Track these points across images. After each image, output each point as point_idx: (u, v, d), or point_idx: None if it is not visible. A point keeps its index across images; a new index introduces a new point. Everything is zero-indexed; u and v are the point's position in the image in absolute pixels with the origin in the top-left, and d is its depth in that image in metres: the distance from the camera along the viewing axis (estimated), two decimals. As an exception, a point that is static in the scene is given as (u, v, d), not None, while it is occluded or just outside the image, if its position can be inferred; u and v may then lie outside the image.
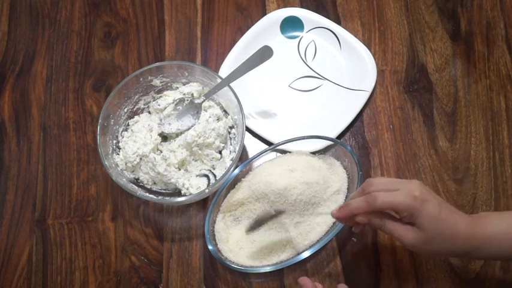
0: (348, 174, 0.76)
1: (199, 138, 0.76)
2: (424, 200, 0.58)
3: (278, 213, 0.72)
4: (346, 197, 0.74)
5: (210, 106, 0.81)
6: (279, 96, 0.84)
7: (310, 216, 0.73)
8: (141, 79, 0.78)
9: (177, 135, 0.78)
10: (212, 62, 0.87)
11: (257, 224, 0.72)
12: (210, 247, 0.71)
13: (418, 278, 0.72)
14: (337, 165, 0.77)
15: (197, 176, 0.77)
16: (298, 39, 0.88)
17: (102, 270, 0.75)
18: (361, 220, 0.61)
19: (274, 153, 0.78)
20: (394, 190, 0.59)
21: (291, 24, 0.88)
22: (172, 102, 0.79)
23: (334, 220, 0.73)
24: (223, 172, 0.73)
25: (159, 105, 0.80)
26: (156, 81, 0.80)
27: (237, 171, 0.75)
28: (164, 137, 0.79)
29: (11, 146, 0.82)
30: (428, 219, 0.58)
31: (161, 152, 0.77)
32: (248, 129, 0.81)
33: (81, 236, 0.77)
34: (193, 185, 0.76)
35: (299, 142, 0.76)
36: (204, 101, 0.78)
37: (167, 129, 0.78)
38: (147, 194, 0.75)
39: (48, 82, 0.87)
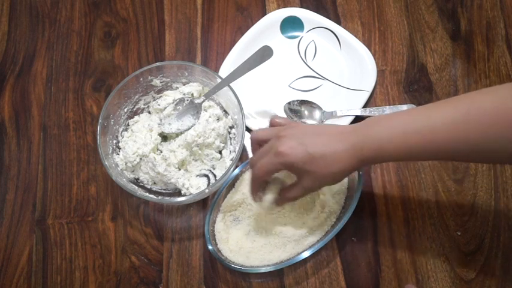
0: (348, 174, 0.76)
1: (199, 138, 0.76)
2: (289, 150, 0.60)
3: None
4: (346, 197, 0.74)
5: (210, 106, 0.81)
6: (279, 96, 0.84)
7: (310, 216, 0.73)
8: (141, 79, 0.78)
9: (177, 135, 0.78)
10: (212, 62, 0.87)
11: None
12: (210, 247, 0.71)
13: (418, 278, 0.72)
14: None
15: (197, 176, 0.77)
16: (298, 39, 0.88)
17: (102, 270, 0.75)
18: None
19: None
20: (268, 152, 0.63)
21: (291, 24, 0.88)
22: (172, 102, 0.79)
23: (334, 220, 0.73)
24: (223, 172, 0.73)
25: (159, 105, 0.80)
26: (156, 81, 0.80)
27: (237, 171, 0.75)
28: (164, 137, 0.79)
29: (11, 146, 0.82)
30: (299, 167, 0.60)
31: (161, 152, 0.78)
32: (248, 129, 0.81)
33: (81, 236, 0.77)
34: (193, 185, 0.76)
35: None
36: (204, 101, 0.78)
37: (167, 129, 0.78)
38: (147, 194, 0.75)
39: (48, 82, 0.87)
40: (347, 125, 0.62)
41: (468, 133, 0.55)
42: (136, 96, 0.80)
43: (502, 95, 0.55)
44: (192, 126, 0.78)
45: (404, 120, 0.59)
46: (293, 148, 0.60)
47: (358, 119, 0.81)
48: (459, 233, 0.74)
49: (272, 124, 0.69)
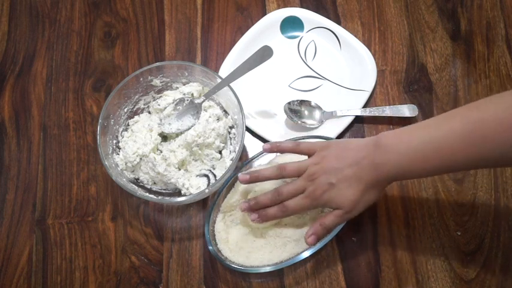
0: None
1: (199, 138, 0.76)
2: (322, 195, 0.65)
3: None
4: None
5: (210, 106, 0.81)
6: (279, 96, 0.84)
7: (310, 216, 0.73)
8: (141, 79, 0.78)
9: (177, 135, 0.78)
10: (212, 62, 0.87)
11: None
12: (210, 247, 0.71)
13: (418, 278, 0.72)
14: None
15: (197, 176, 0.77)
16: (298, 39, 0.88)
17: (102, 270, 0.75)
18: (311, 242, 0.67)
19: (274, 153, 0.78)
20: (299, 191, 0.67)
21: (291, 24, 0.88)
22: (172, 102, 0.79)
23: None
24: (223, 172, 0.73)
25: (159, 105, 0.80)
26: (156, 81, 0.80)
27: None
28: (164, 137, 0.79)
29: (11, 146, 0.82)
30: (332, 206, 0.66)
31: (161, 152, 0.78)
32: (248, 129, 0.81)
33: (81, 236, 0.77)
34: (193, 185, 0.76)
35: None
36: (204, 101, 0.78)
37: (167, 129, 0.78)
38: (147, 194, 0.75)
39: (48, 82, 0.87)
40: (363, 152, 0.64)
41: (475, 145, 0.57)
42: (137, 96, 0.80)
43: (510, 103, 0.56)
44: (192, 126, 0.78)
45: (415, 145, 0.61)
46: (326, 192, 0.65)
47: (358, 118, 0.81)
48: (459, 233, 0.74)
49: (295, 151, 0.71)
